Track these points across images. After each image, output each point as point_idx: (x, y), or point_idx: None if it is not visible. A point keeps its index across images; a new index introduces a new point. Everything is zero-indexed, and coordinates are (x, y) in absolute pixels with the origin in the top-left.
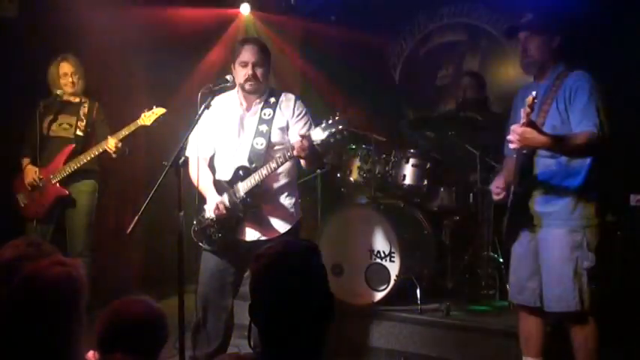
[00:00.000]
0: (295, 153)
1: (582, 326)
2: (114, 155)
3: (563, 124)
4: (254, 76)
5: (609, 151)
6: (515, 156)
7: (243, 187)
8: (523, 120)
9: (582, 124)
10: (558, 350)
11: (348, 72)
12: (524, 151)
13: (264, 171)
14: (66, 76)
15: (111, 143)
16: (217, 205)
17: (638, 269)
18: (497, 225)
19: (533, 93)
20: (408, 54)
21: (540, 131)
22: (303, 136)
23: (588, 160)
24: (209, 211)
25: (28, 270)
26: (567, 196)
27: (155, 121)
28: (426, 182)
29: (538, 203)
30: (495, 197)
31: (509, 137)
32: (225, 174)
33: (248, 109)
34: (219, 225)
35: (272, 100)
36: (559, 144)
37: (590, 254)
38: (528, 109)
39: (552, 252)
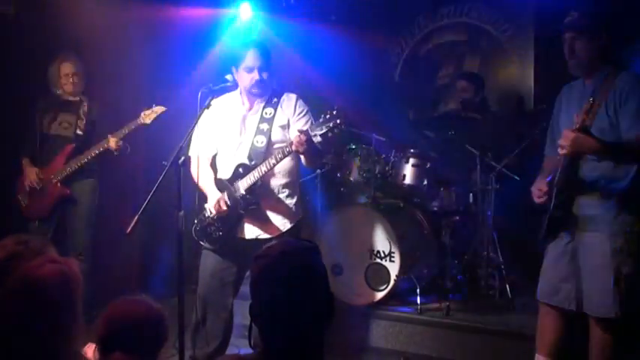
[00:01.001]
0: (294, 148)
1: (612, 332)
2: (115, 153)
3: (612, 127)
4: (261, 81)
5: None
6: (559, 157)
7: (243, 185)
8: (577, 125)
9: (633, 129)
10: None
11: (349, 72)
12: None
13: (263, 168)
14: (67, 76)
15: (112, 142)
16: (218, 201)
17: None
18: (498, 225)
19: (591, 99)
20: (408, 54)
21: (594, 137)
22: (301, 131)
23: (635, 165)
24: (210, 210)
25: (21, 270)
26: (611, 201)
27: (155, 119)
28: (426, 182)
29: (581, 206)
30: (537, 200)
31: (560, 142)
32: (226, 172)
33: (250, 108)
34: (220, 223)
35: (274, 99)
36: (611, 152)
37: (630, 260)
38: (584, 116)
39: (593, 256)
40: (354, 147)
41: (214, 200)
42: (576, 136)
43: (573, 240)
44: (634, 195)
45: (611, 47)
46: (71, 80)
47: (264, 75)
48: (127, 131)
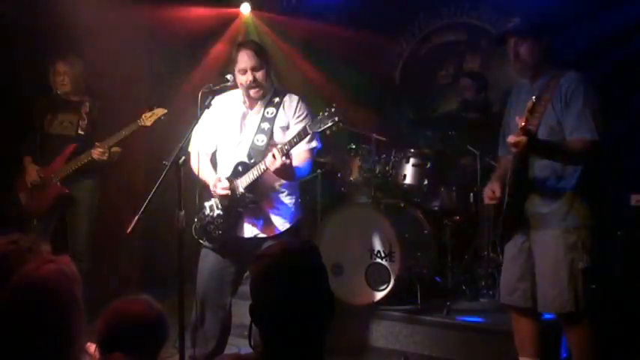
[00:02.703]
0: (268, 165)
1: (578, 327)
2: (104, 158)
3: (560, 124)
4: (254, 81)
5: (604, 152)
6: (509, 157)
7: (242, 183)
8: (520, 126)
9: (577, 131)
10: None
11: (349, 72)
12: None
13: (262, 166)
14: (60, 75)
15: (95, 153)
16: (217, 180)
17: (638, 269)
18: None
19: (533, 98)
20: (408, 54)
21: (536, 140)
22: (274, 153)
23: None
24: (209, 208)
25: (20, 272)
26: (562, 197)
27: (156, 121)
28: (426, 182)
29: (533, 204)
30: (487, 201)
31: (508, 140)
32: (225, 170)
33: (251, 107)
34: (220, 221)
35: (276, 99)
36: (554, 154)
37: (585, 255)
38: (528, 114)
39: (547, 253)
40: (354, 147)
41: (213, 181)
42: (519, 141)
43: (528, 239)
44: (585, 190)
45: (555, 49)
46: (62, 79)
47: (258, 75)
48: (116, 139)
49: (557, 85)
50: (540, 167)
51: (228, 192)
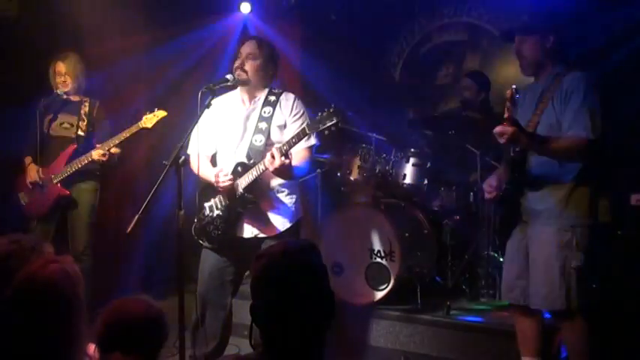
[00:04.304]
0: (267, 165)
1: (572, 326)
2: (104, 159)
3: (559, 123)
4: (240, 66)
5: (602, 151)
6: (511, 154)
7: (241, 183)
8: (505, 117)
9: (572, 128)
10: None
11: (349, 72)
12: (517, 148)
13: (261, 166)
14: (60, 75)
15: (95, 155)
16: (218, 172)
17: (638, 269)
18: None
19: (513, 86)
20: (408, 54)
21: (523, 130)
22: (273, 153)
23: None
24: (209, 208)
25: (25, 272)
26: (558, 194)
27: (156, 123)
28: (426, 182)
29: (529, 200)
30: (487, 195)
31: (495, 130)
32: (225, 172)
33: (249, 106)
34: (219, 222)
35: (272, 98)
36: (543, 146)
37: (579, 254)
38: (508, 104)
39: (541, 250)
40: (354, 147)
41: (214, 174)
42: (503, 129)
43: (525, 236)
44: (582, 188)
45: (560, 48)
46: (62, 79)
47: (249, 63)
48: (117, 141)
49: (559, 84)
50: (537, 162)
51: (232, 181)
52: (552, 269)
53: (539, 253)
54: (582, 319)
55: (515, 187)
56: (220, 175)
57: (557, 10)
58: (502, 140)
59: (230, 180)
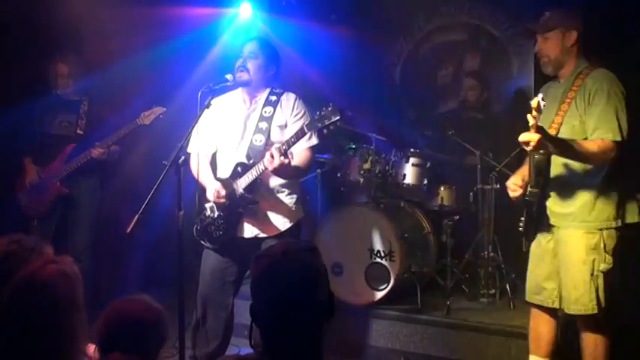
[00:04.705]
0: (266, 164)
1: (596, 330)
2: (103, 157)
3: (582, 123)
4: (241, 66)
5: (631, 152)
6: (537, 156)
7: (242, 183)
8: (531, 125)
9: (597, 131)
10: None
11: (349, 72)
12: (542, 151)
13: (261, 166)
14: (62, 77)
15: (94, 152)
16: (216, 190)
17: (638, 269)
18: (498, 225)
19: (540, 95)
20: (408, 54)
21: (550, 138)
22: (272, 152)
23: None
24: (210, 209)
25: (23, 273)
26: (585, 197)
27: (155, 120)
28: (426, 182)
29: (555, 203)
30: (511, 194)
31: (520, 138)
32: (225, 171)
33: (250, 106)
34: (220, 222)
35: (273, 98)
36: (569, 152)
37: (607, 256)
38: (535, 113)
39: (569, 253)
40: (354, 147)
41: (213, 189)
42: (530, 138)
43: (553, 238)
44: (609, 190)
45: (583, 44)
46: (65, 81)
47: (249, 62)
48: (115, 139)
49: (582, 83)
50: (563, 164)
51: (225, 201)
52: (581, 273)
53: (568, 256)
54: (606, 323)
55: (541, 190)
56: (218, 192)
57: (579, 5)
58: (528, 148)
59: (223, 200)
